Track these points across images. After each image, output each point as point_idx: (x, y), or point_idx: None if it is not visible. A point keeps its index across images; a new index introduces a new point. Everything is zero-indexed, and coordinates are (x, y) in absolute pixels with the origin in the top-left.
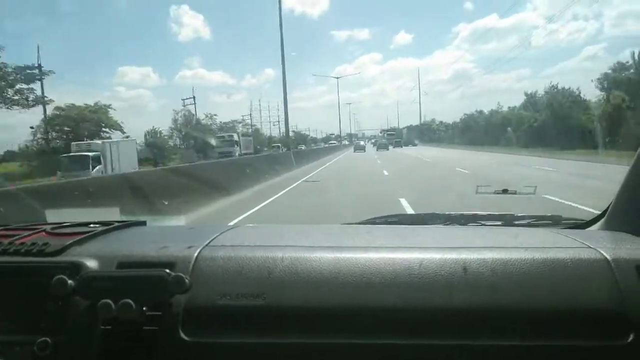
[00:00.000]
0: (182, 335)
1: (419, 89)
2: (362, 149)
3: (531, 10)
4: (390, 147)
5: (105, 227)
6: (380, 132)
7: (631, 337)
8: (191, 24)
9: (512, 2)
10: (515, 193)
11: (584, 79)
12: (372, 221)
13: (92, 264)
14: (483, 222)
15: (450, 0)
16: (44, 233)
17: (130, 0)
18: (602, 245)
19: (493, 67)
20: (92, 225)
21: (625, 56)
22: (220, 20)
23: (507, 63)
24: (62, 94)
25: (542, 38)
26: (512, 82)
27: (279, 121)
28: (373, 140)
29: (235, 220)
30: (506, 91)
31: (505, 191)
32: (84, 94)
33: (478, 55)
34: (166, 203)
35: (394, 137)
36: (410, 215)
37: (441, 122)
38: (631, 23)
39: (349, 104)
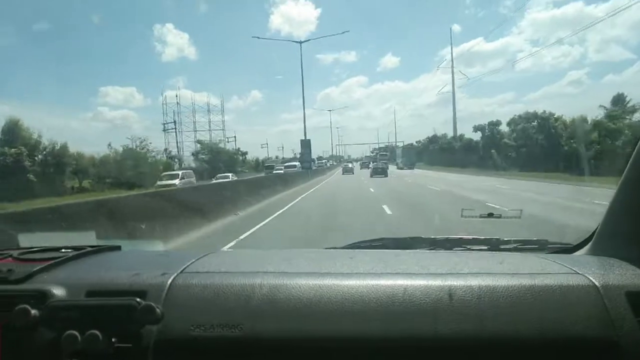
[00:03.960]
0: None
1: (453, 80)
2: (351, 171)
3: (516, 34)
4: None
5: (76, 253)
6: (372, 152)
7: None
8: (176, 43)
9: (497, 24)
10: (500, 217)
11: (566, 103)
12: (357, 245)
13: (59, 292)
14: (469, 247)
15: (437, 23)
16: (10, 258)
17: (111, 19)
18: (590, 271)
19: (476, 90)
20: (63, 251)
21: (607, 80)
22: (206, 40)
23: (491, 87)
24: (43, 113)
25: (526, 62)
26: (496, 106)
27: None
28: (360, 162)
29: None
30: (491, 115)
31: (490, 215)
32: (67, 114)
33: (464, 78)
34: (143, 227)
35: (385, 158)
36: (395, 239)
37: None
38: (614, 48)
39: (337, 127)
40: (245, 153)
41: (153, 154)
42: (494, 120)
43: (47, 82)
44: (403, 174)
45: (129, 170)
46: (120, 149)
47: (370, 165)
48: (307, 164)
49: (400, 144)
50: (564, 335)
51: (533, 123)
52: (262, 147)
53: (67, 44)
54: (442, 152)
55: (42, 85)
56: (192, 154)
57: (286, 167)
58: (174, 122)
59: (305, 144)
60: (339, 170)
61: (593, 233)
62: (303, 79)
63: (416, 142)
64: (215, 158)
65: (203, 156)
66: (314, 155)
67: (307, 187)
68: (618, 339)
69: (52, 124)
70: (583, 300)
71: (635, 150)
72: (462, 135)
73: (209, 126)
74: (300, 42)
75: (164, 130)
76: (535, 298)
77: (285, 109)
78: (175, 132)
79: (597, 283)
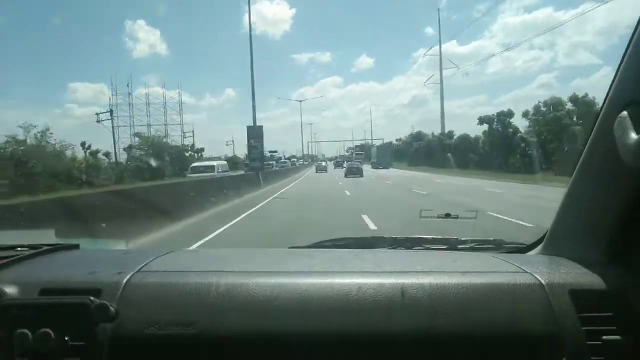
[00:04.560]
0: None
1: (440, 70)
2: (324, 169)
3: (488, 38)
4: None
5: (32, 252)
6: (347, 151)
7: None
8: (147, 39)
9: (467, 26)
10: (457, 217)
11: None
12: (320, 244)
13: (11, 290)
14: (428, 246)
15: (411, 25)
16: None
17: (81, 13)
18: (537, 270)
19: (447, 92)
20: (19, 249)
21: (575, 84)
22: (179, 37)
23: (462, 89)
24: (7, 109)
25: (498, 65)
26: (468, 108)
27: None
28: (334, 161)
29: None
30: (462, 116)
31: (447, 215)
32: (33, 111)
33: (435, 80)
34: (104, 225)
35: (360, 157)
36: (358, 238)
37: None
38: (582, 53)
39: (310, 124)
40: (202, 150)
41: (57, 147)
42: (505, 110)
43: (13, 76)
44: (389, 175)
45: (16, 170)
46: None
47: (345, 165)
48: (257, 163)
49: (380, 141)
50: (511, 331)
51: (562, 111)
52: (227, 145)
53: (34, 38)
54: (430, 150)
55: (6, 79)
56: (124, 150)
57: (194, 169)
58: (110, 111)
59: (255, 133)
60: (311, 170)
61: (545, 233)
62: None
63: (396, 139)
64: (159, 155)
65: (142, 152)
66: (287, 155)
67: (234, 210)
68: (561, 334)
69: (19, 120)
70: (529, 297)
71: (582, 154)
72: (451, 132)
73: (165, 120)
74: (300, 101)
75: (98, 121)
76: (484, 295)
77: (260, 108)
78: (112, 123)
79: (543, 281)
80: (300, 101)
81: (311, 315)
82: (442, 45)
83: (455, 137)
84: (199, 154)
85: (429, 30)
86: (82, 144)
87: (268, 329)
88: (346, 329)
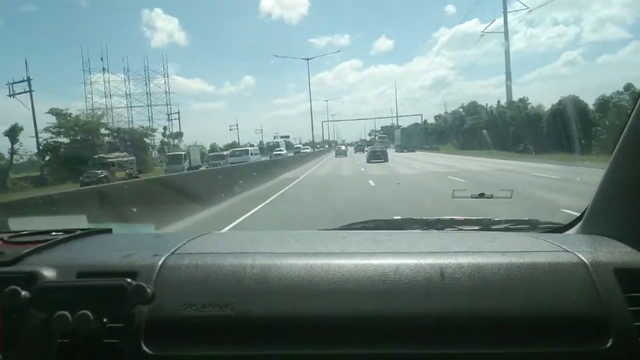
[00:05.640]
0: (145, 348)
1: (505, 14)
2: (344, 153)
3: (511, 14)
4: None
5: (67, 236)
6: (371, 134)
7: (610, 342)
8: (165, 28)
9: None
10: (491, 197)
11: (561, 85)
12: (349, 227)
13: (49, 273)
14: (460, 227)
15: (431, 4)
16: (0, 242)
17: (97, 5)
18: (579, 249)
19: (470, 73)
20: (54, 234)
21: (602, 61)
22: (197, 24)
23: (486, 69)
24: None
25: (521, 43)
26: (491, 88)
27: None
28: (355, 146)
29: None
30: (485, 97)
31: (481, 195)
32: (57, 102)
33: (458, 61)
34: (135, 210)
35: (384, 140)
36: (387, 220)
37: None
38: (610, 27)
39: (326, 100)
40: (179, 134)
41: None
42: None
43: (37, 70)
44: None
45: None
46: None
47: (367, 149)
48: None
49: (414, 119)
50: (554, 311)
51: None
52: (230, 130)
53: (56, 31)
54: (498, 126)
55: (31, 73)
56: (4, 134)
57: None
58: (27, 79)
59: None
60: (330, 156)
61: (583, 213)
62: None
63: (435, 117)
64: (89, 142)
65: (64, 138)
66: (304, 140)
67: None
68: (607, 315)
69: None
70: (572, 277)
71: (624, 131)
72: (524, 99)
73: (148, 101)
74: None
75: (11, 95)
76: (524, 275)
77: (279, 94)
78: (31, 96)
79: (586, 260)
80: (308, 59)
81: (346, 297)
82: (462, 25)
83: (529, 105)
84: (174, 141)
85: (450, 9)
86: None
87: (303, 310)
88: (383, 310)
